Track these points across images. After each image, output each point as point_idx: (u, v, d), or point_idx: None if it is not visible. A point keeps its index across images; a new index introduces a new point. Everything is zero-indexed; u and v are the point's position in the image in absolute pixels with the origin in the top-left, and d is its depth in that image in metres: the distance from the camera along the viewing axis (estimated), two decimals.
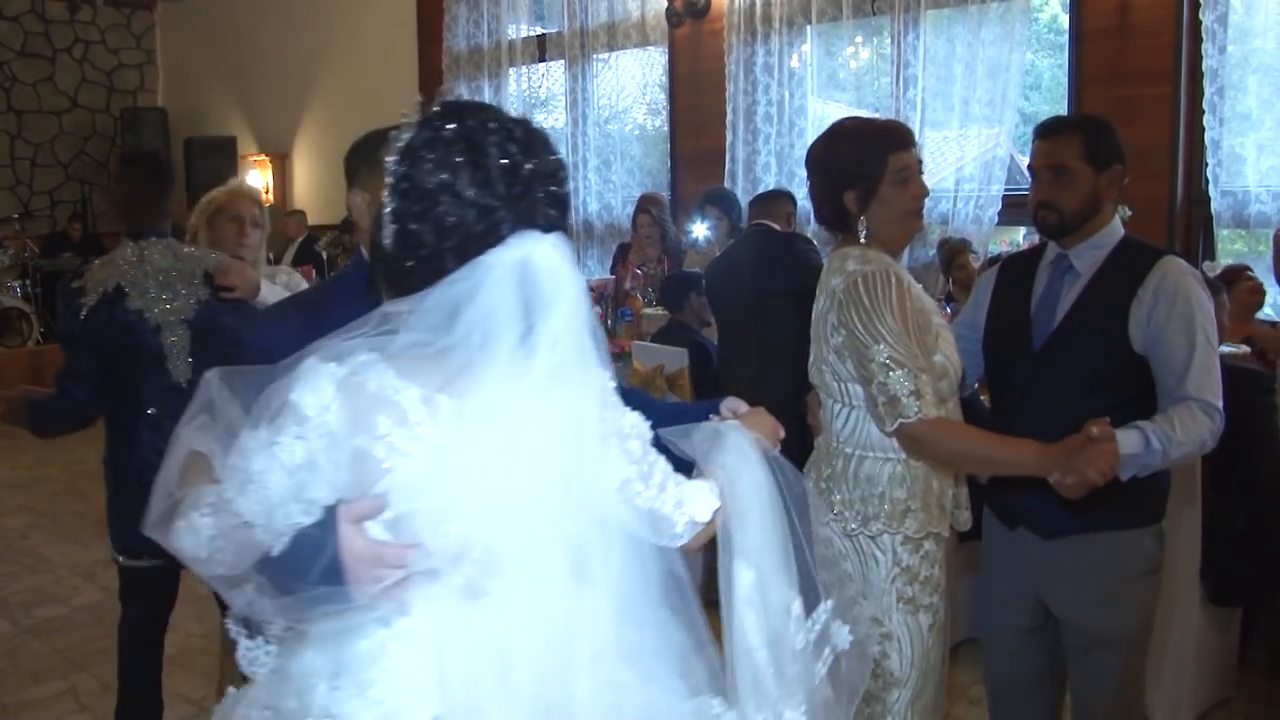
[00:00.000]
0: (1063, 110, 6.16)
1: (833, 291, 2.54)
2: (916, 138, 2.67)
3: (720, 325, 4.90)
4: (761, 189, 6.63)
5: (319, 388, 1.35)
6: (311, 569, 1.35)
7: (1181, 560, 3.50)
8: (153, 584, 3.26)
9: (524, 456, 1.39)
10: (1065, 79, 6.06)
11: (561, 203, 1.45)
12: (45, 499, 6.87)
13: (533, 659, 1.41)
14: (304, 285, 3.68)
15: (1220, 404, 2.46)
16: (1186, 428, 2.40)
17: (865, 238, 2.53)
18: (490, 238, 1.37)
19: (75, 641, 4.61)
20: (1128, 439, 2.35)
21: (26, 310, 9.91)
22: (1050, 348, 2.60)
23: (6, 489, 7.21)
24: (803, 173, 6.91)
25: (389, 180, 1.40)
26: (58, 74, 12.17)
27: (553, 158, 1.45)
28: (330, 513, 1.37)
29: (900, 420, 2.36)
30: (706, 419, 1.82)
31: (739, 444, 1.71)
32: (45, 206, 12.11)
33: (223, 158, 11.13)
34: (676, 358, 4.76)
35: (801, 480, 1.78)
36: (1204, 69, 5.31)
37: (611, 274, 6.92)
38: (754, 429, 1.77)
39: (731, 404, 1.88)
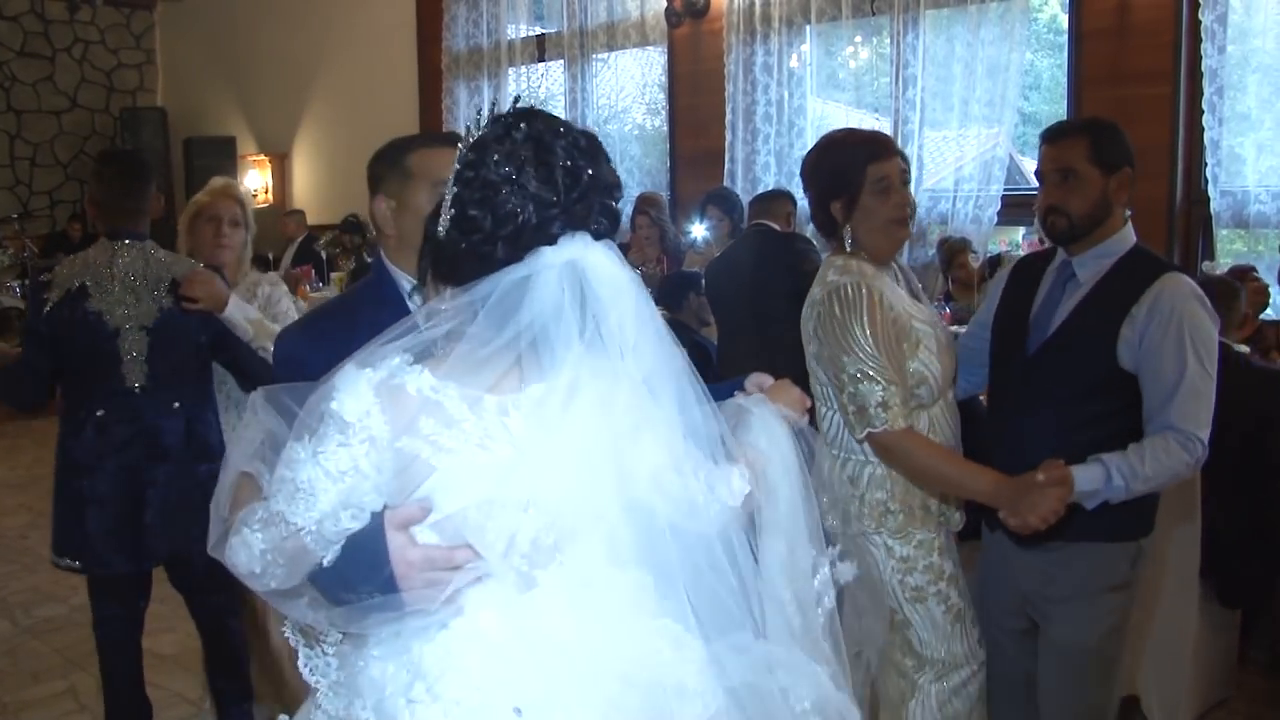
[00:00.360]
0: (1062, 110, 6.17)
1: (812, 301, 2.66)
2: (911, 142, 2.70)
3: (720, 325, 4.91)
4: (761, 189, 6.63)
5: (358, 393, 1.38)
6: (364, 578, 1.37)
7: (1182, 560, 3.50)
8: (116, 585, 3.24)
9: (570, 450, 1.42)
10: (1065, 79, 6.07)
11: (614, 216, 1.50)
12: (44, 499, 6.79)
13: (589, 643, 1.46)
14: (285, 298, 3.60)
15: (1204, 434, 2.39)
16: (1157, 461, 2.36)
17: (851, 247, 2.61)
18: (543, 233, 1.41)
19: (74, 641, 4.60)
20: (1087, 475, 2.35)
21: (26, 310, 9.90)
22: (1043, 354, 2.58)
23: (6, 489, 7.21)
24: None
25: (456, 168, 1.46)
26: (57, 74, 12.16)
27: (612, 172, 1.52)
28: (378, 519, 1.38)
29: (868, 429, 2.49)
30: (732, 395, 1.79)
31: (767, 423, 1.70)
32: (45, 206, 12.11)
33: (222, 158, 11.11)
34: None
35: (813, 441, 1.82)
36: (1203, 69, 5.32)
37: None
38: (780, 402, 1.76)
39: (757, 379, 1.84)
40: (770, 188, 6.45)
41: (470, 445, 1.39)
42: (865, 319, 2.48)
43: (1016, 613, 2.71)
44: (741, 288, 4.63)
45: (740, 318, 4.66)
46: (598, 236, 1.45)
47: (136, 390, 3.07)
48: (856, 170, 2.56)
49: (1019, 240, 6.89)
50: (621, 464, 1.46)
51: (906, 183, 2.60)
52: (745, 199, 6.34)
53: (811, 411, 1.87)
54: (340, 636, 1.50)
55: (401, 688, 1.44)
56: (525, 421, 1.41)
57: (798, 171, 7.02)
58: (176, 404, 3.12)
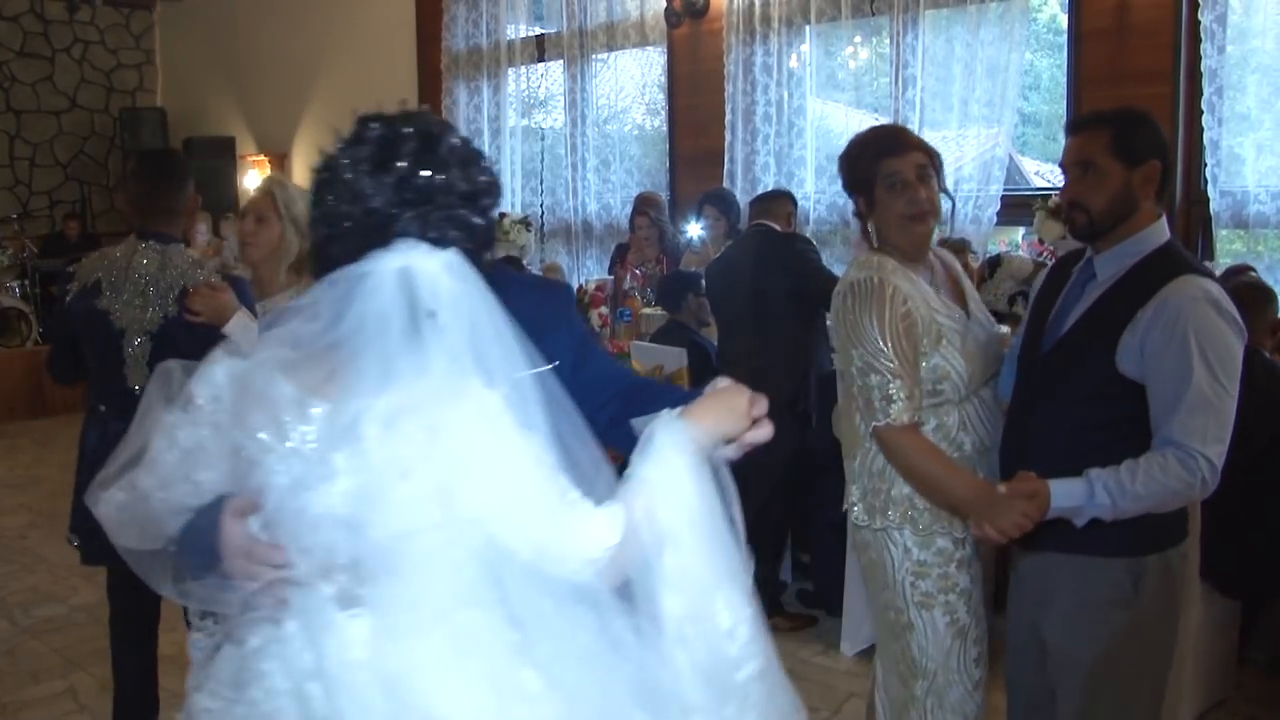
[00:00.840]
0: (1061, 110, 6.17)
1: (835, 295, 2.64)
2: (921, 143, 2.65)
3: (720, 325, 4.91)
4: (760, 189, 6.63)
5: (213, 379, 1.45)
6: (196, 552, 1.44)
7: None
8: (134, 578, 3.25)
9: (394, 470, 1.36)
10: (1064, 79, 6.07)
11: (464, 225, 1.44)
12: (44, 499, 6.86)
13: (412, 672, 1.40)
14: None
15: (1213, 452, 2.22)
16: (1151, 480, 2.22)
17: (876, 242, 2.62)
18: (375, 238, 1.39)
19: (74, 641, 4.61)
20: (1065, 490, 2.25)
21: (25, 310, 9.90)
22: (1054, 353, 2.51)
23: (5, 489, 7.21)
24: (801, 173, 7.02)
25: (314, 168, 1.48)
26: (57, 74, 12.15)
27: (473, 180, 1.45)
28: (219, 501, 1.44)
29: (874, 423, 2.49)
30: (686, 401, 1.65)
31: (663, 450, 1.49)
32: (44, 206, 12.10)
33: (222, 158, 11.13)
34: (675, 358, 4.77)
35: (727, 480, 1.56)
36: (1203, 69, 5.31)
37: (610, 274, 6.93)
38: (707, 416, 1.55)
39: (716, 385, 1.66)
40: (770, 188, 6.45)
41: (293, 451, 1.38)
42: (874, 312, 2.47)
43: (1030, 624, 2.62)
44: (740, 288, 4.62)
45: (739, 318, 4.65)
46: (441, 245, 1.41)
47: (136, 392, 3.08)
48: (870, 167, 2.57)
49: (1019, 240, 6.89)
50: (455, 494, 1.37)
51: (926, 178, 2.55)
52: (745, 199, 6.35)
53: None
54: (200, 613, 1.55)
55: (230, 676, 1.49)
56: (345, 436, 1.37)
57: (797, 171, 7.08)
58: None
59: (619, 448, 1.71)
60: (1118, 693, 2.48)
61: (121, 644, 3.38)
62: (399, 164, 1.40)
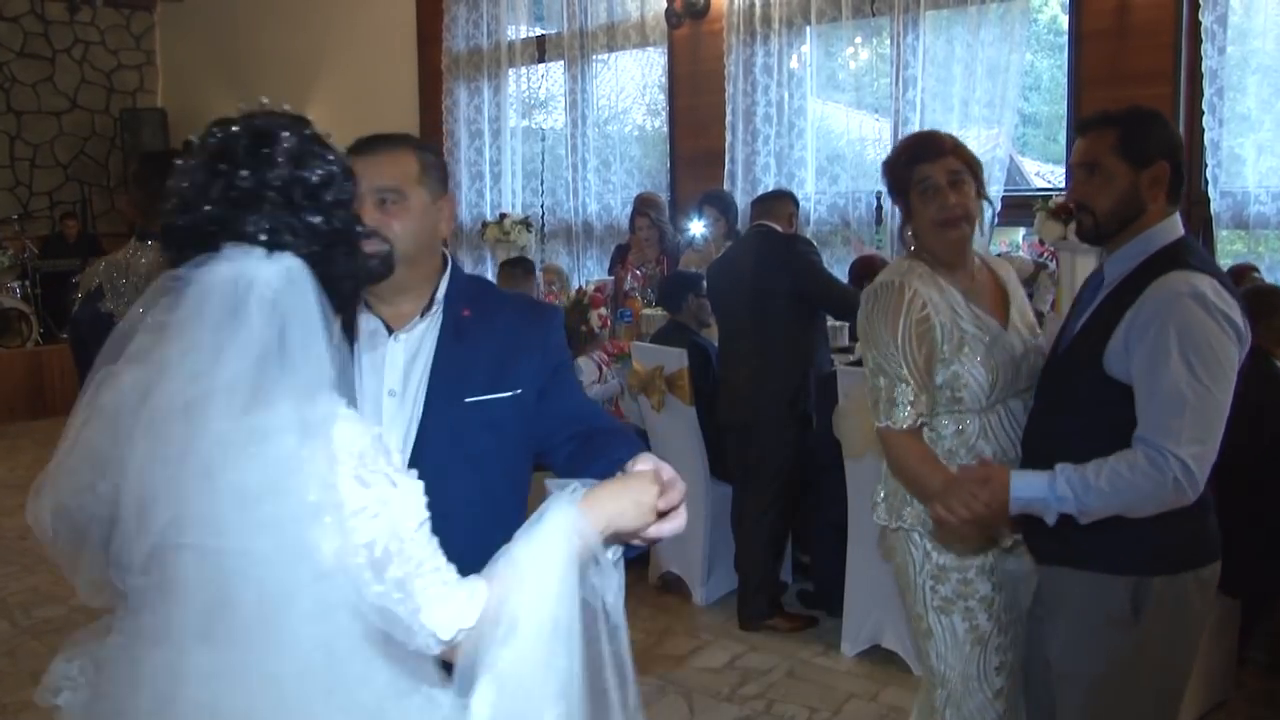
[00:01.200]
0: (1062, 111, 6.17)
1: (862, 296, 2.67)
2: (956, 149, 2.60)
3: (720, 325, 4.91)
4: (761, 190, 6.63)
5: (115, 377, 1.44)
6: None
7: None
8: None
9: (192, 471, 1.31)
10: (1065, 80, 6.07)
11: (302, 226, 1.38)
12: None
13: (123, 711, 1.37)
14: None
15: (1187, 453, 2.10)
16: (1117, 476, 2.13)
17: (913, 247, 2.63)
18: (198, 240, 1.38)
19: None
20: (1029, 482, 2.20)
21: (26, 311, 9.90)
22: (1062, 359, 2.47)
23: (5, 489, 7.20)
24: (802, 173, 7.01)
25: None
26: (57, 75, 12.14)
27: (306, 177, 1.40)
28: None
29: (878, 424, 2.52)
30: (618, 467, 1.58)
31: (543, 536, 1.37)
32: (45, 207, 12.09)
33: None
34: (675, 358, 4.77)
35: (603, 586, 1.42)
36: (1203, 70, 5.32)
37: (611, 275, 6.93)
38: (607, 506, 1.42)
39: (637, 463, 1.55)
40: (770, 189, 6.44)
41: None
42: (890, 316, 2.49)
43: (1037, 638, 2.54)
44: (742, 288, 4.62)
45: (740, 318, 4.65)
46: (273, 247, 1.37)
47: None
48: (905, 172, 2.57)
49: (1019, 241, 6.89)
50: (268, 527, 1.28)
51: (958, 184, 2.53)
52: (745, 200, 6.36)
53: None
54: None
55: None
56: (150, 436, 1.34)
57: (798, 172, 7.08)
58: None
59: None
60: (1118, 715, 2.38)
61: None
62: (222, 166, 1.37)
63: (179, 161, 1.43)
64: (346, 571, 1.29)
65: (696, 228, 6.27)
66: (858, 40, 7.16)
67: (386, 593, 1.29)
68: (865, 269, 5.56)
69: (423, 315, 1.94)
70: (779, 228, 4.70)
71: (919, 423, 2.49)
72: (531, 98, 9.03)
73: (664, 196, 7.39)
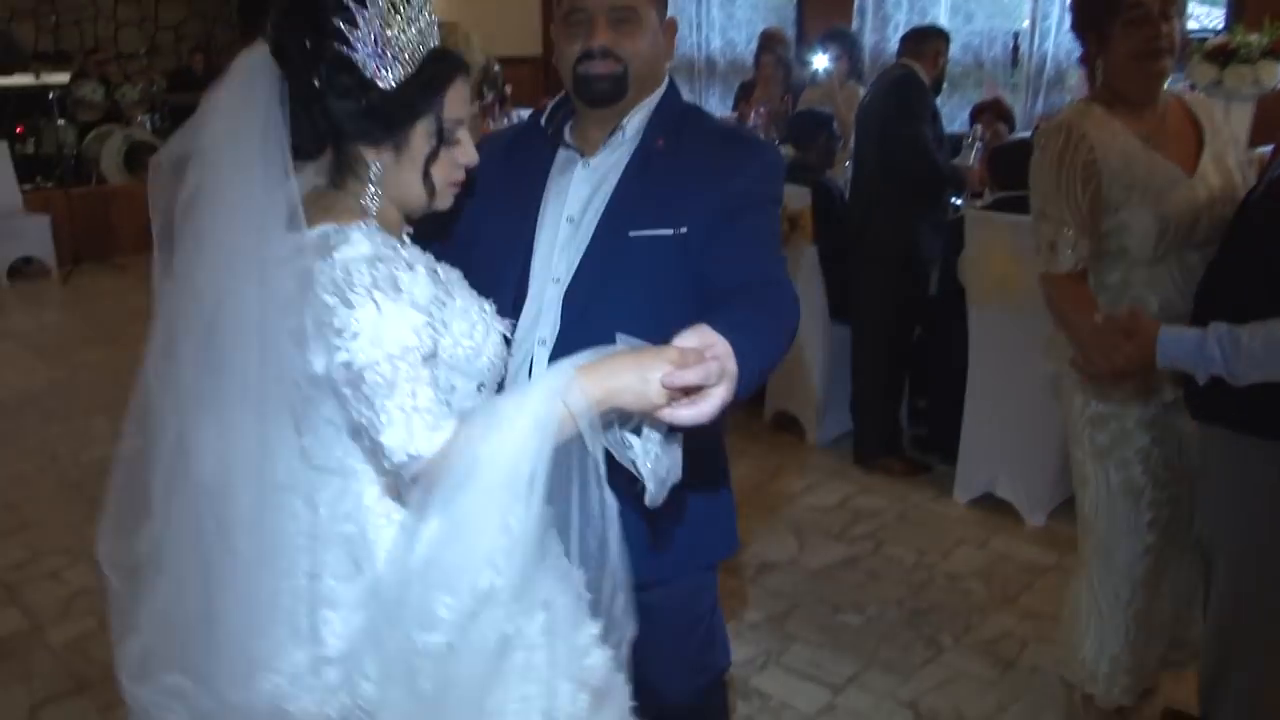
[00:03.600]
0: None
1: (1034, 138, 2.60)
2: None
3: (854, 166, 4.82)
4: (891, 27, 6.40)
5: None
6: None
7: None
8: None
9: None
10: None
11: (294, 49, 1.42)
12: None
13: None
14: None
15: None
16: (1273, 341, 1.96)
17: (1098, 84, 2.47)
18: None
19: None
20: (1177, 338, 2.07)
21: (156, 145, 10.08)
22: (1252, 206, 2.22)
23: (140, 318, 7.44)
24: (935, 10, 6.69)
25: None
26: None
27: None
28: None
29: (1039, 270, 2.47)
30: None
31: (531, 393, 1.30)
32: (170, 41, 12.23)
33: None
34: (799, 197, 4.70)
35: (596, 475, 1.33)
36: None
37: (734, 111, 6.79)
38: (606, 382, 1.28)
39: (688, 336, 1.28)
40: (901, 26, 6.21)
41: None
42: (1054, 159, 2.40)
43: (1197, 497, 2.42)
44: (870, 134, 4.60)
45: (867, 162, 4.64)
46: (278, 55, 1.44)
47: None
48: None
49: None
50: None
51: (1169, 16, 2.33)
52: (873, 38, 6.15)
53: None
54: None
55: None
56: None
57: (931, 10, 6.76)
58: None
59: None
60: (1265, 586, 2.23)
61: None
62: None
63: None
64: (334, 384, 1.37)
65: (820, 61, 6.08)
66: None
67: (359, 409, 1.35)
68: (993, 111, 5.42)
69: (606, 142, 1.84)
70: (921, 68, 4.55)
71: (1080, 267, 2.40)
72: None
73: (789, 33, 7.16)
